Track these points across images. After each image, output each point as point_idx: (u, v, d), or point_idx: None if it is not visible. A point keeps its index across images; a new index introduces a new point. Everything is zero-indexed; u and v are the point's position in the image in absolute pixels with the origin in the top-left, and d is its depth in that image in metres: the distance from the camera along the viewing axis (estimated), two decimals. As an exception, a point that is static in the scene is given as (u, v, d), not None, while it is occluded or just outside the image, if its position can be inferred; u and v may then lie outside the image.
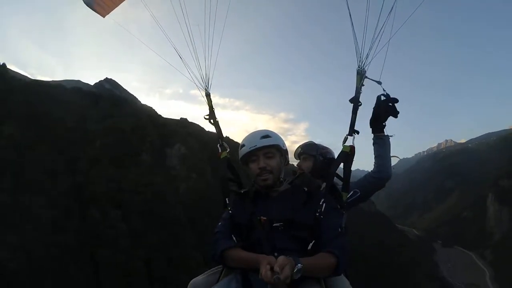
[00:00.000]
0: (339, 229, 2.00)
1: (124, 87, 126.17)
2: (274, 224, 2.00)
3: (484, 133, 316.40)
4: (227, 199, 2.33)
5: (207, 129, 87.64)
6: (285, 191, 2.20)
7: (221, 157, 2.65)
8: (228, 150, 2.69)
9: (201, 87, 2.95)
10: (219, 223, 2.21)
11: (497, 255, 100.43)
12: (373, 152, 2.80)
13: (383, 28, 2.25)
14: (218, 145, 2.71)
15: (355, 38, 2.34)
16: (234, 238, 2.08)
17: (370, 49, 2.33)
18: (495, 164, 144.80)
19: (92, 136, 48.49)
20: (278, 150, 2.20)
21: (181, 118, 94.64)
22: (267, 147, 2.16)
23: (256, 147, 2.14)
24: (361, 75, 2.42)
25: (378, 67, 2.46)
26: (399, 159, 2.74)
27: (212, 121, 2.88)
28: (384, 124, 2.71)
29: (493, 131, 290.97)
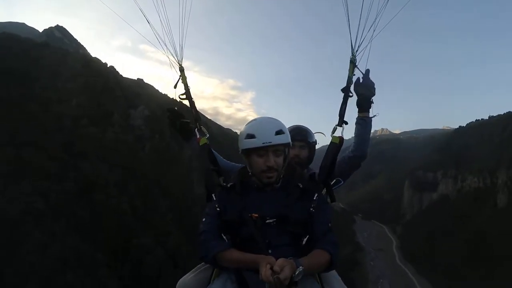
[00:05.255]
0: (329, 224, 1.98)
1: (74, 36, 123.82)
2: (267, 221, 1.90)
3: (419, 128, 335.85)
4: (213, 194, 2.10)
5: (161, 91, 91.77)
6: (278, 187, 2.07)
7: (200, 143, 2.47)
8: (208, 136, 2.53)
9: (174, 60, 2.62)
10: (204, 220, 2.02)
11: (406, 230, 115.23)
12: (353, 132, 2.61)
13: (379, 17, 2.21)
14: (196, 130, 2.55)
15: (349, 27, 2.25)
16: (224, 236, 1.93)
17: (364, 38, 2.26)
18: (416, 156, 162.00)
19: (67, 95, 52.34)
20: (286, 147, 2.03)
21: (138, 79, 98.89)
22: (279, 144, 1.97)
23: (270, 144, 1.93)
24: (354, 64, 2.37)
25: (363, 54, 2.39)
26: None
27: (188, 101, 2.64)
28: (370, 104, 2.54)
29: (428, 128, 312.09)
